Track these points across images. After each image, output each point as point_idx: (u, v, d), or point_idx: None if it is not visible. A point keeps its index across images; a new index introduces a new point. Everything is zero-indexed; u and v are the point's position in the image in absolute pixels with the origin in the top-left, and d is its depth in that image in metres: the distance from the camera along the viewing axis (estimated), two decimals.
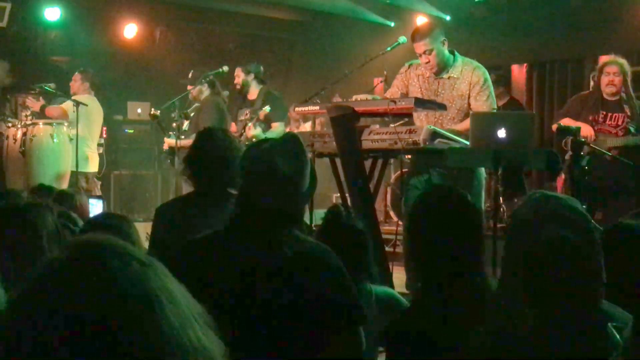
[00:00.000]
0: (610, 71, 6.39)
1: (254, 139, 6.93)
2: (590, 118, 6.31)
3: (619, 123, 6.34)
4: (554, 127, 6.29)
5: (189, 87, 7.86)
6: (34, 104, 8.37)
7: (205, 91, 7.68)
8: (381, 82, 7.39)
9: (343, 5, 10.28)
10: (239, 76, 7.47)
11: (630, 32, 8.44)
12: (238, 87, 7.65)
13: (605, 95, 6.42)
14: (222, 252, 2.39)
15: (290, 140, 2.45)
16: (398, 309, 3.14)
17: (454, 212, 2.50)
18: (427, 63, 5.42)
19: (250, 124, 7.19)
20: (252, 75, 7.28)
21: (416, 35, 5.45)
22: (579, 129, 5.69)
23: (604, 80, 6.40)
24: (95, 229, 2.51)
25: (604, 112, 6.36)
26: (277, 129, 7.24)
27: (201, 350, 1.05)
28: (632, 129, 6.28)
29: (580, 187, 4.73)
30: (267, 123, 7.31)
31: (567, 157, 5.90)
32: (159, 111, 7.78)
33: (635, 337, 1.91)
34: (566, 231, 1.90)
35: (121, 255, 1.06)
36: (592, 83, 6.80)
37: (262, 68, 7.63)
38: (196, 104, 7.82)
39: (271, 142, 2.45)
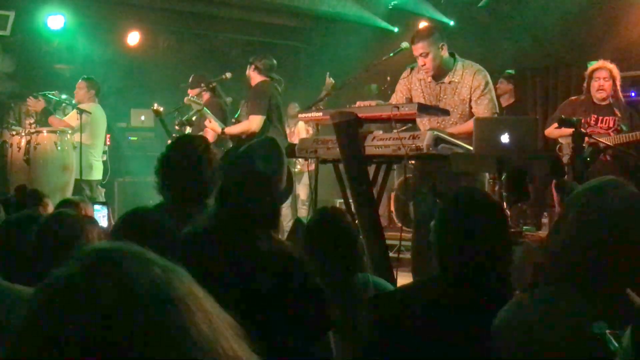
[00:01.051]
0: (600, 76, 6.47)
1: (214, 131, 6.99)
2: (583, 121, 6.33)
3: (611, 125, 6.41)
4: (546, 131, 6.30)
5: (189, 92, 7.86)
6: (34, 104, 8.30)
7: (205, 96, 7.69)
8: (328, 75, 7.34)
9: (347, 11, 10.28)
10: (247, 70, 7.27)
11: (633, 36, 8.43)
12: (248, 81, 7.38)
13: (595, 100, 6.48)
14: (198, 250, 2.40)
15: (268, 143, 2.48)
16: None
17: (482, 211, 2.50)
18: (423, 66, 5.44)
19: (208, 118, 7.09)
20: (253, 67, 7.14)
21: (415, 37, 5.48)
22: (579, 120, 5.70)
23: (594, 85, 6.49)
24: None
25: (595, 116, 6.44)
26: (246, 123, 6.96)
27: None
28: (624, 128, 6.33)
29: (584, 179, 4.72)
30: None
31: (565, 160, 5.93)
32: (162, 107, 7.75)
33: (634, 345, 1.91)
34: None
35: (141, 261, 0.99)
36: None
37: (271, 60, 7.24)
38: (197, 109, 7.79)
39: (250, 144, 2.48)
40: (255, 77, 7.14)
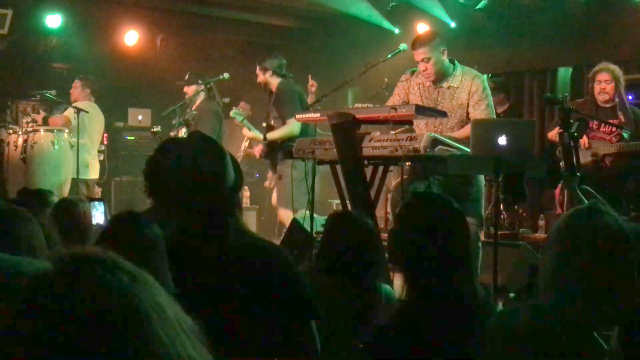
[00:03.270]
0: (602, 79, 6.41)
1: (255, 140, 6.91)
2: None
3: (613, 130, 6.35)
4: (550, 134, 6.27)
5: (185, 89, 7.88)
6: (36, 117, 8.46)
7: (202, 93, 7.69)
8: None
9: (346, 12, 10.28)
10: (259, 76, 7.14)
11: (630, 40, 8.45)
12: (263, 86, 7.20)
13: (599, 103, 6.44)
14: (172, 252, 2.43)
15: (203, 139, 2.49)
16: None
17: (438, 217, 2.52)
18: (424, 71, 5.42)
19: (246, 127, 7.03)
20: (269, 73, 7.06)
21: (416, 43, 5.46)
22: (565, 96, 5.67)
23: (596, 88, 6.44)
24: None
25: (597, 122, 6.37)
26: (287, 127, 6.79)
27: None
28: (625, 135, 6.30)
29: (572, 153, 4.69)
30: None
31: (561, 164, 5.93)
32: (159, 127, 7.79)
33: (622, 345, 1.93)
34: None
35: (110, 268, 1.05)
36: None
37: (281, 60, 7.15)
38: (194, 112, 7.81)
39: (187, 142, 2.49)
40: (273, 81, 7.06)
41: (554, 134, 6.54)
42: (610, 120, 6.34)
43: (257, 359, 2.37)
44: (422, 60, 5.39)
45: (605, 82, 6.40)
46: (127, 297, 1.02)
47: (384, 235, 5.51)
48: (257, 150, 7.18)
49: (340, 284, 3.27)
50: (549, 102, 5.64)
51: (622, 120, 6.35)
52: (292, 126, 6.74)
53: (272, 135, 6.85)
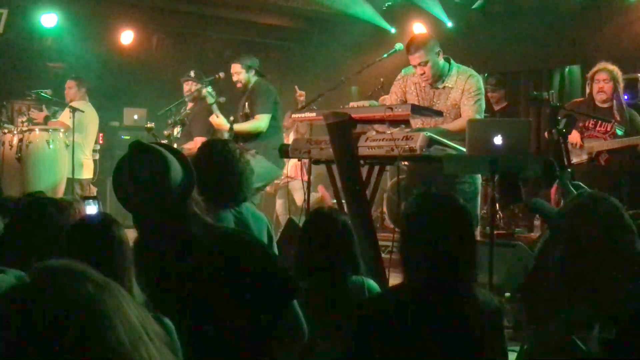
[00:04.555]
0: (600, 78, 6.44)
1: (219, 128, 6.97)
2: (581, 125, 6.34)
3: (608, 129, 6.39)
4: (547, 134, 6.28)
5: (189, 86, 7.87)
6: (38, 115, 8.41)
7: (196, 93, 7.72)
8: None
9: (342, 11, 10.28)
10: (240, 73, 7.19)
11: (624, 39, 8.46)
12: (240, 84, 7.24)
13: (597, 102, 6.46)
14: (145, 254, 2.50)
15: (138, 146, 2.55)
16: None
17: (446, 215, 2.50)
18: (422, 75, 5.41)
19: (215, 113, 7.08)
20: (253, 71, 7.16)
21: (411, 47, 5.43)
22: (551, 94, 5.68)
23: (595, 87, 6.46)
24: (86, 229, 2.56)
25: (593, 120, 6.40)
26: (256, 122, 6.95)
27: None
28: (619, 132, 6.32)
29: (562, 149, 4.71)
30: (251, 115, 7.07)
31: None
32: (153, 123, 7.79)
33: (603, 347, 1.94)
34: None
35: (77, 279, 1.15)
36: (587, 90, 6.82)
37: (256, 59, 7.36)
38: (187, 111, 7.81)
39: (128, 152, 2.55)
40: (251, 78, 7.20)
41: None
42: (605, 123, 6.37)
43: (244, 346, 2.39)
44: (419, 65, 5.38)
45: (603, 82, 6.43)
46: (90, 305, 1.12)
47: (380, 235, 5.52)
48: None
49: (317, 281, 3.33)
50: (534, 101, 5.66)
51: (618, 119, 6.37)
52: (260, 121, 6.92)
53: (240, 127, 6.92)
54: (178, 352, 1.72)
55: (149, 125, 7.66)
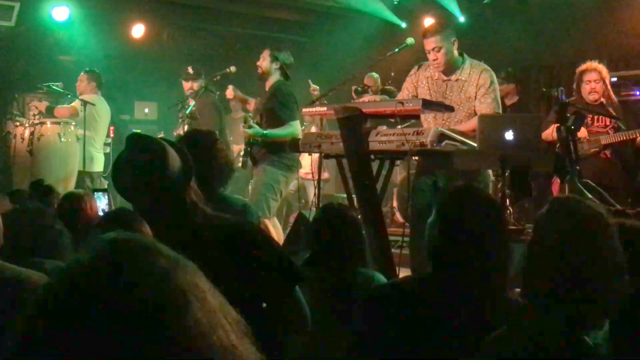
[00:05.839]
0: (591, 79, 6.47)
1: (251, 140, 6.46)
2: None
3: (607, 123, 6.43)
4: (544, 134, 6.21)
5: (190, 84, 7.87)
6: (40, 105, 8.40)
7: (202, 90, 7.69)
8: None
9: (352, 6, 10.27)
10: (265, 59, 6.69)
11: (635, 35, 8.43)
12: (260, 70, 6.72)
13: (587, 101, 6.47)
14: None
15: (135, 135, 2.57)
16: None
17: (479, 208, 2.47)
18: (434, 60, 5.39)
19: (243, 124, 6.55)
20: (278, 64, 6.62)
21: (427, 31, 5.43)
22: (559, 89, 5.67)
23: (586, 88, 6.48)
24: (109, 223, 2.58)
25: (590, 116, 6.41)
26: (288, 129, 6.45)
27: (231, 351, 1.04)
28: (622, 126, 6.34)
29: (570, 145, 4.71)
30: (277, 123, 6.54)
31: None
32: (162, 133, 7.83)
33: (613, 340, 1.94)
34: None
35: (148, 253, 1.06)
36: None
37: (291, 60, 6.77)
38: (192, 107, 7.76)
39: (126, 143, 2.57)
40: (275, 75, 6.69)
41: (548, 133, 6.41)
42: (602, 116, 6.41)
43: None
44: (433, 50, 5.36)
45: (594, 82, 6.46)
46: (164, 280, 1.02)
47: (390, 230, 5.53)
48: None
49: (326, 275, 3.35)
50: (545, 97, 5.66)
51: (613, 114, 6.41)
52: (294, 128, 6.48)
53: (274, 132, 6.45)
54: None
55: (161, 136, 7.66)
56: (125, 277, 1.01)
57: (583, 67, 6.58)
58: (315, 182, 5.97)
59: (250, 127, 6.39)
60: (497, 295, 2.41)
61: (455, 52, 5.42)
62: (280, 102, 6.51)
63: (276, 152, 6.41)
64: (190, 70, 7.96)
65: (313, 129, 8.54)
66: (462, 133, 5.03)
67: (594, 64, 6.53)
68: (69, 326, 0.97)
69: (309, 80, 7.29)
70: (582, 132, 6.30)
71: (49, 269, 2.61)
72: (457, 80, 5.43)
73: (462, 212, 2.44)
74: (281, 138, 6.35)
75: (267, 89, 6.70)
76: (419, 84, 5.58)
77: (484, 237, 2.40)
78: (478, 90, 5.37)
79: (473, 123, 5.16)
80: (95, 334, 0.97)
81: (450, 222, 2.42)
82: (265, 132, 6.36)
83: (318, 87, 7.18)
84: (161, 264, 1.04)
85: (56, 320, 0.98)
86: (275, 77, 6.65)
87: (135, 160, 2.50)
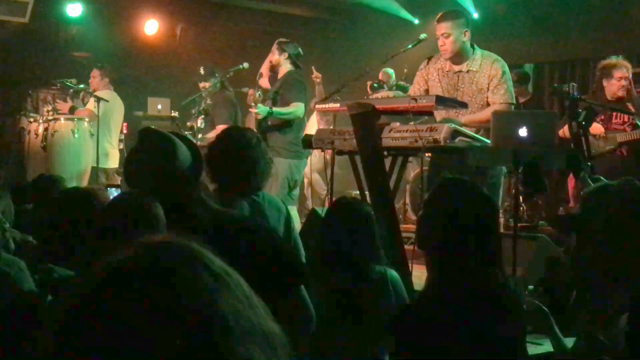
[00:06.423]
0: (622, 75, 6.39)
1: (258, 116, 6.77)
2: (597, 119, 6.28)
3: (626, 120, 6.37)
4: (560, 132, 6.18)
5: (201, 85, 7.93)
6: (63, 106, 8.48)
7: (217, 85, 7.79)
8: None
9: (365, 2, 10.25)
10: (274, 53, 7.18)
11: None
12: (272, 63, 7.24)
13: (609, 97, 6.40)
14: None
15: (147, 130, 2.58)
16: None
17: (468, 204, 2.48)
18: (442, 46, 5.44)
19: (253, 105, 6.86)
20: (285, 55, 7.08)
21: (441, 17, 5.50)
22: (571, 85, 5.64)
23: (616, 84, 6.38)
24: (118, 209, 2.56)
25: (609, 112, 6.36)
26: (292, 108, 6.85)
27: None
28: (639, 123, 6.30)
29: (581, 141, 4.69)
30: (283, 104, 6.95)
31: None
32: (177, 113, 7.85)
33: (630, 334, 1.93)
34: None
35: (193, 265, 0.95)
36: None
37: (299, 51, 7.21)
38: (208, 101, 7.86)
39: (138, 137, 2.57)
40: (285, 66, 7.13)
41: (565, 130, 6.40)
42: (620, 114, 6.36)
43: None
44: (442, 35, 5.41)
45: (624, 79, 6.38)
46: (203, 300, 0.92)
47: (403, 227, 5.52)
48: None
49: (339, 270, 3.34)
50: (556, 93, 5.62)
51: (632, 110, 6.35)
52: (297, 109, 6.87)
53: (278, 110, 6.86)
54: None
55: (173, 115, 7.72)
56: (159, 289, 0.91)
57: (612, 62, 6.50)
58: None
59: (257, 106, 6.74)
60: (501, 291, 2.41)
61: (466, 43, 5.44)
62: (289, 85, 6.96)
63: (281, 142, 6.81)
64: (201, 70, 8.01)
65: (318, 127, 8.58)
66: (478, 122, 5.04)
67: (623, 61, 6.47)
68: (90, 331, 0.89)
69: (312, 67, 7.35)
70: (599, 129, 6.26)
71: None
72: (468, 71, 5.43)
73: (450, 203, 2.47)
74: (286, 117, 6.82)
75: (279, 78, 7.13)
76: (430, 76, 5.58)
77: (475, 228, 2.41)
78: (490, 81, 5.37)
79: (487, 113, 5.16)
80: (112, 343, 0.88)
81: (439, 213, 2.45)
82: (271, 110, 6.74)
83: (320, 75, 7.30)
84: (203, 279, 0.94)
85: (92, 319, 0.91)
86: (286, 67, 7.09)
87: (146, 153, 2.51)
